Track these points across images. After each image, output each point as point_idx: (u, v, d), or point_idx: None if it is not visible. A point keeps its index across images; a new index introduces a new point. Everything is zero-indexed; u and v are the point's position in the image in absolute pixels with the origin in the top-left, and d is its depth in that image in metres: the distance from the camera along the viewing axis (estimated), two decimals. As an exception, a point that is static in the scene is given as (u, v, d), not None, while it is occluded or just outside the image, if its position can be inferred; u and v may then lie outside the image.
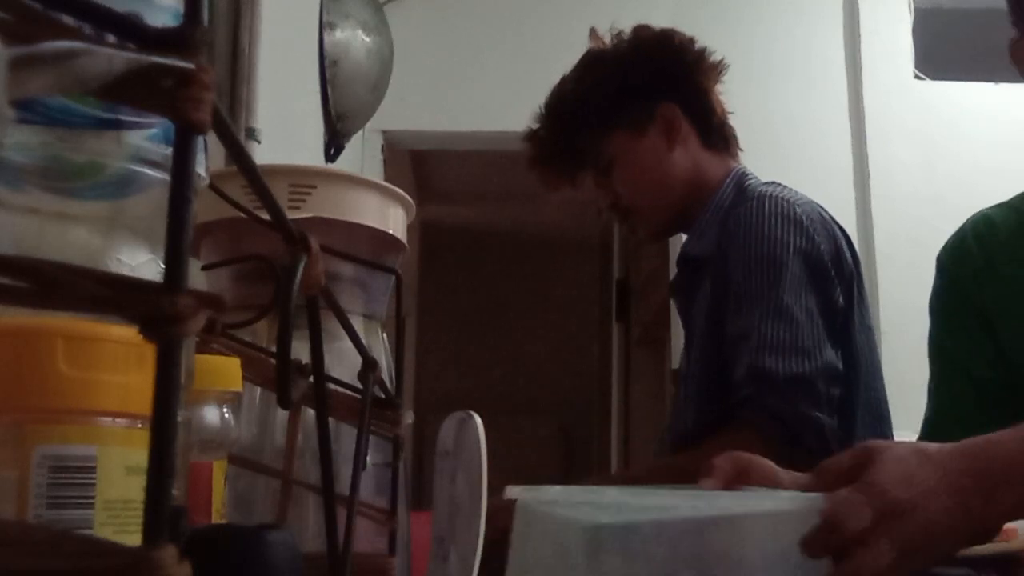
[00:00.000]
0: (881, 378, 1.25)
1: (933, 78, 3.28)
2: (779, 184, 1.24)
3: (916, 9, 3.32)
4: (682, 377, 1.31)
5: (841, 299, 1.15)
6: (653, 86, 1.29)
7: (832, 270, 1.14)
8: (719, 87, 1.33)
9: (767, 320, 1.10)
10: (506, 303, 5.56)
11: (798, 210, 1.16)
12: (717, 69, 1.32)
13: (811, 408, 1.06)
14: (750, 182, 1.26)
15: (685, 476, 1.10)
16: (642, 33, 1.31)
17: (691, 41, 1.31)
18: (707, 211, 1.25)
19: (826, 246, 1.15)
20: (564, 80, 1.33)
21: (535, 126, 1.33)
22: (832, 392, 1.09)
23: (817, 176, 3.20)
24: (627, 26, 1.34)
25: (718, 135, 1.31)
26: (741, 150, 1.34)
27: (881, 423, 1.22)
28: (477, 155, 3.90)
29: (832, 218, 1.23)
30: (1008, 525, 2.85)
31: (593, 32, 1.36)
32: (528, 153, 1.33)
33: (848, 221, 3.28)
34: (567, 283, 5.50)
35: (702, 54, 1.31)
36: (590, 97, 1.29)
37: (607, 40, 1.33)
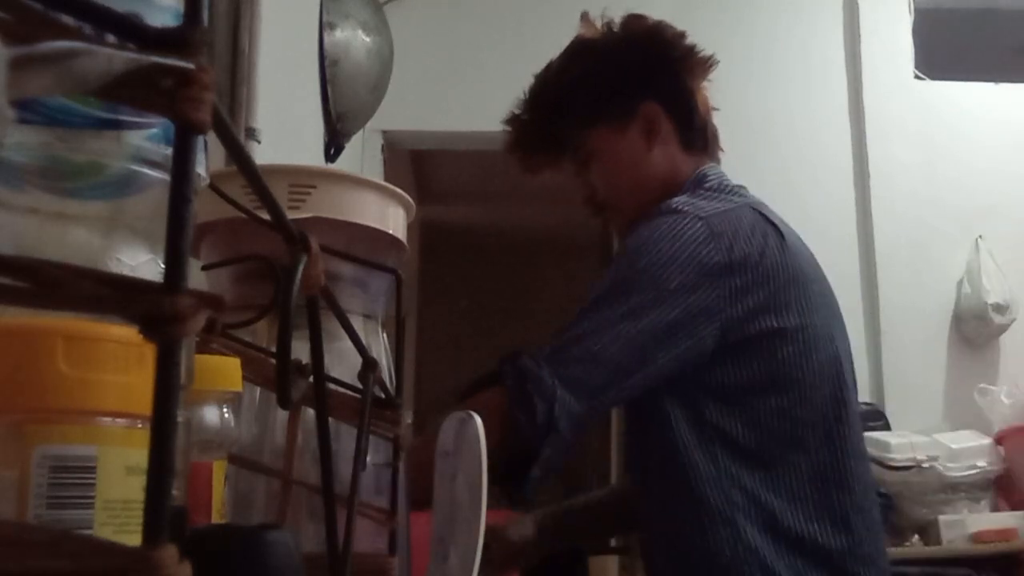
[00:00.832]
0: (834, 378, 1.19)
1: (933, 78, 3.28)
2: (719, 194, 1.22)
3: (916, 9, 3.33)
4: None
5: (720, 307, 1.11)
6: (638, 83, 1.28)
7: (706, 282, 1.11)
8: (706, 84, 1.31)
9: (590, 304, 1.12)
10: (506, 303, 5.56)
11: (694, 225, 1.13)
12: (705, 66, 1.30)
13: (558, 381, 1.07)
14: (708, 184, 1.24)
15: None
16: (632, 25, 1.30)
17: (681, 36, 1.30)
18: None
19: (717, 258, 1.11)
20: (549, 67, 1.33)
21: (517, 110, 1.32)
22: (605, 386, 1.09)
23: (817, 176, 3.20)
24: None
25: (699, 136, 1.30)
26: (722, 150, 1.33)
27: (839, 423, 1.17)
28: (477, 155, 3.90)
29: (770, 227, 1.18)
30: (1008, 525, 2.87)
31: (585, 17, 1.35)
32: (509, 138, 1.33)
33: (848, 221, 3.29)
34: (567, 283, 5.49)
35: (691, 50, 1.29)
36: (573, 88, 1.29)
37: (598, 26, 1.32)
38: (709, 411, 1.13)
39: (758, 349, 1.14)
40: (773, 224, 1.20)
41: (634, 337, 1.09)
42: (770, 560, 1.10)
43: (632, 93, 1.27)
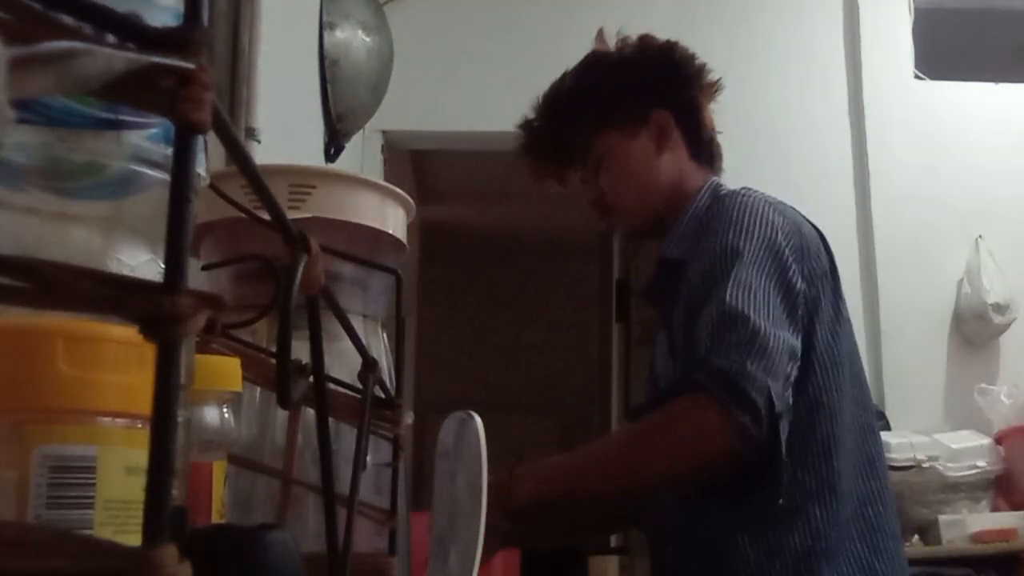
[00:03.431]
0: (862, 368, 1.26)
1: (933, 78, 3.28)
2: (756, 190, 1.28)
3: (916, 9, 3.32)
4: (653, 378, 1.31)
5: (807, 288, 1.15)
6: (650, 92, 1.32)
7: (794, 262, 1.15)
8: (712, 106, 1.37)
9: (727, 292, 1.10)
10: (506, 303, 5.56)
11: (769, 209, 1.19)
12: (713, 88, 1.36)
13: (761, 371, 1.03)
14: (724, 191, 1.30)
15: (640, 440, 1.10)
16: (646, 41, 1.35)
17: (692, 57, 1.35)
18: (683, 217, 1.28)
19: (795, 240, 1.17)
20: (564, 76, 1.36)
21: (531, 116, 1.36)
22: (789, 368, 1.07)
23: (817, 176, 3.20)
24: (628, 28, 1.37)
25: (705, 149, 1.35)
26: (723, 170, 1.38)
27: (868, 411, 1.23)
28: (477, 155, 3.90)
29: (806, 219, 1.26)
30: (1008, 525, 2.88)
31: (600, 34, 1.40)
32: (521, 141, 1.37)
33: (848, 221, 3.29)
34: (567, 283, 5.50)
35: (701, 70, 1.34)
36: (587, 94, 1.33)
37: (612, 44, 1.37)
38: None
39: (811, 333, 1.15)
40: (809, 222, 1.25)
41: (785, 316, 1.09)
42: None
43: (645, 100, 1.31)
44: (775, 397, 1.02)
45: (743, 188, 1.26)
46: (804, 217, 1.26)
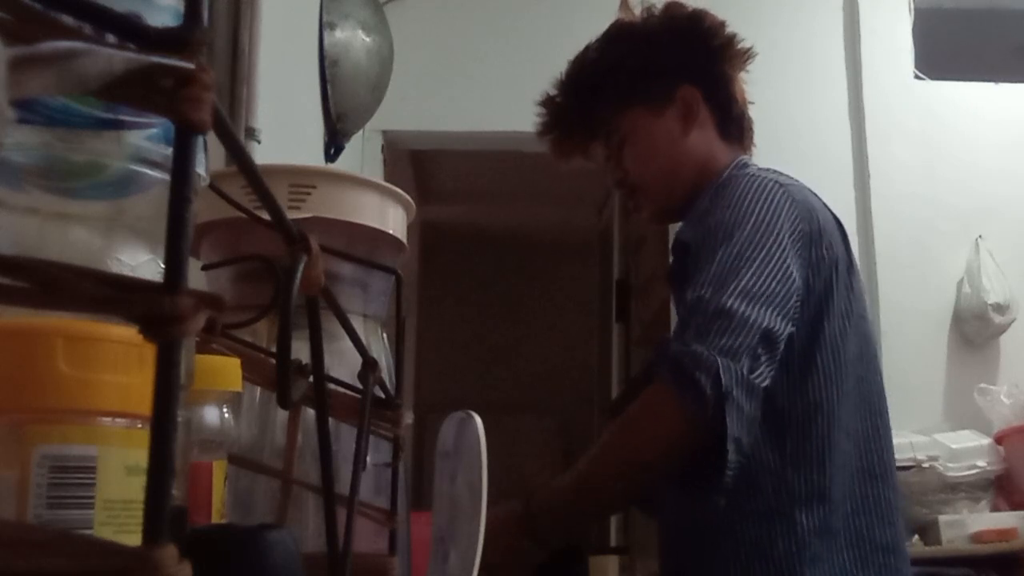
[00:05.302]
0: (877, 370, 1.22)
1: (933, 78, 3.28)
2: (776, 171, 1.22)
3: (916, 9, 3.32)
4: None
5: (810, 277, 1.11)
6: (677, 67, 1.27)
7: (793, 247, 1.09)
8: (743, 75, 1.31)
9: (703, 275, 1.06)
10: (506, 303, 5.56)
11: (779, 190, 1.14)
12: (744, 57, 1.31)
13: (714, 350, 0.99)
14: (748, 170, 1.23)
15: (613, 448, 1.09)
16: (673, 11, 1.29)
17: (722, 25, 1.30)
18: (704, 198, 1.22)
19: (801, 225, 1.12)
20: (588, 49, 1.30)
21: (553, 92, 1.30)
22: (760, 349, 1.02)
23: (817, 176, 3.18)
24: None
25: (735, 125, 1.29)
26: (754, 145, 1.33)
27: (877, 416, 1.21)
28: (477, 155, 3.90)
29: (825, 206, 1.22)
30: (1008, 525, 2.88)
31: (624, 3, 1.35)
32: (542, 119, 1.31)
33: (848, 221, 3.27)
34: (567, 283, 5.50)
35: (731, 40, 1.29)
36: (611, 70, 1.27)
37: (637, 12, 1.31)
38: (781, 394, 1.09)
39: (815, 326, 1.12)
40: (828, 209, 1.22)
41: (764, 297, 1.04)
42: (822, 555, 1.08)
43: (671, 76, 1.26)
44: (723, 373, 0.98)
45: (763, 168, 1.22)
46: (824, 204, 1.21)
